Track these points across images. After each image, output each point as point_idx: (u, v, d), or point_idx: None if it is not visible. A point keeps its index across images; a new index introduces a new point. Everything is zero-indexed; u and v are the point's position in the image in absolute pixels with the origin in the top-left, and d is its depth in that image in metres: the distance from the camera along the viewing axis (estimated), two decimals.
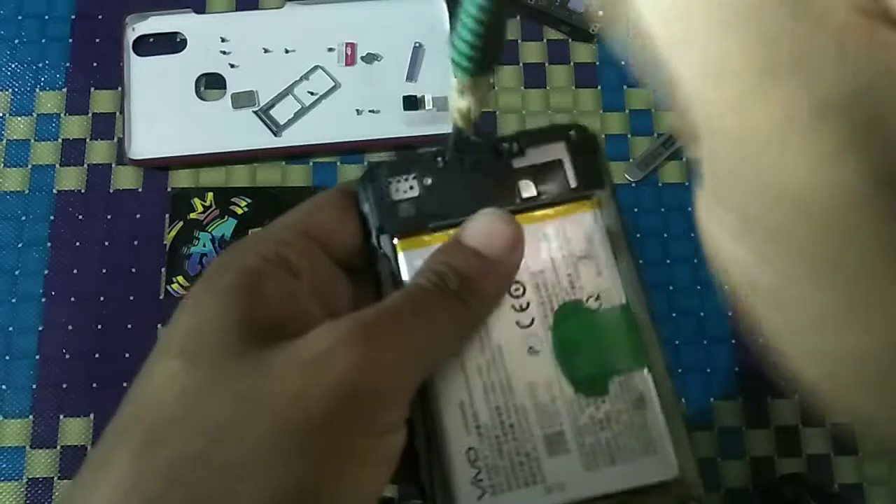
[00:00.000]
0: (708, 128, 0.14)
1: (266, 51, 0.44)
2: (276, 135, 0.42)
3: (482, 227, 0.18)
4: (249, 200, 0.42)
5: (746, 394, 0.41)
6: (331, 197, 0.19)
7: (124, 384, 0.39)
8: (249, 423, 0.14)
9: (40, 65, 0.44)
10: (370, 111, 0.43)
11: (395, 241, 0.19)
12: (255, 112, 0.43)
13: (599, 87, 0.45)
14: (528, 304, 0.19)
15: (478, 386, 0.18)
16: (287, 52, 0.44)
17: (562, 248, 0.19)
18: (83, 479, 0.15)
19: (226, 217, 0.42)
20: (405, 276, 0.19)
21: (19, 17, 0.45)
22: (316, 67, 0.43)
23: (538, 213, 0.19)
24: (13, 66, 0.44)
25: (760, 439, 0.41)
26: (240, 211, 0.42)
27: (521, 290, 0.19)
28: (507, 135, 0.20)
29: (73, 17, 0.45)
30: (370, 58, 0.44)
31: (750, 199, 0.14)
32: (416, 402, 0.17)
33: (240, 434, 0.14)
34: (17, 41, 0.45)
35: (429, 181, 0.19)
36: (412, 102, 0.43)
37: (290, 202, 0.43)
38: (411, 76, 0.44)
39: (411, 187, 0.19)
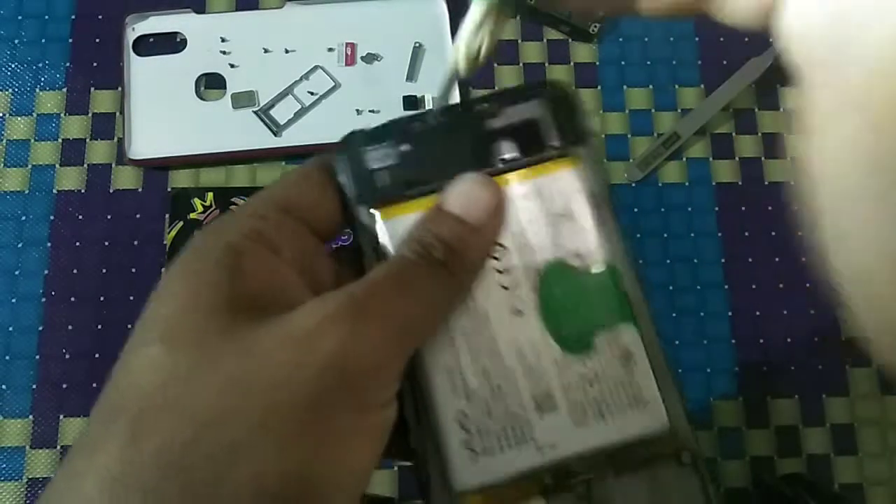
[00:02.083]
0: None
1: (266, 51, 0.44)
2: (276, 135, 0.42)
3: (463, 194, 0.18)
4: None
5: (746, 394, 0.41)
6: (308, 170, 0.19)
7: None
8: (237, 408, 0.14)
9: (40, 65, 0.44)
10: (370, 111, 0.43)
11: (375, 210, 0.19)
12: (255, 112, 0.43)
13: (599, 87, 0.45)
14: (511, 266, 0.19)
15: (465, 350, 0.18)
16: (287, 52, 0.44)
17: (543, 208, 0.19)
18: (70, 469, 0.15)
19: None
20: (387, 245, 0.18)
21: (19, 17, 0.45)
22: (316, 67, 0.43)
23: (518, 172, 0.19)
24: (13, 66, 0.44)
25: (760, 439, 0.41)
26: None
27: (504, 251, 0.19)
28: (482, 95, 0.20)
29: (73, 17, 0.45)
30: (370, 58, 0.44)
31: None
32: (404, 369, 0.17)
33: (228, 419, 0.14)
34: (17, 41, 0.45)
35: (406, 147, 0.19)
36: (412, 102, 0.43)
37: None
38: (411, 76, 0.44)
39: (388, 155, 0.19)
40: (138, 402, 0.14)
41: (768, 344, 0.42)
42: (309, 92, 0.43)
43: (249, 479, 0.14)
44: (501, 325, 0.18)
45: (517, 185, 0.19)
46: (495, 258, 0.19)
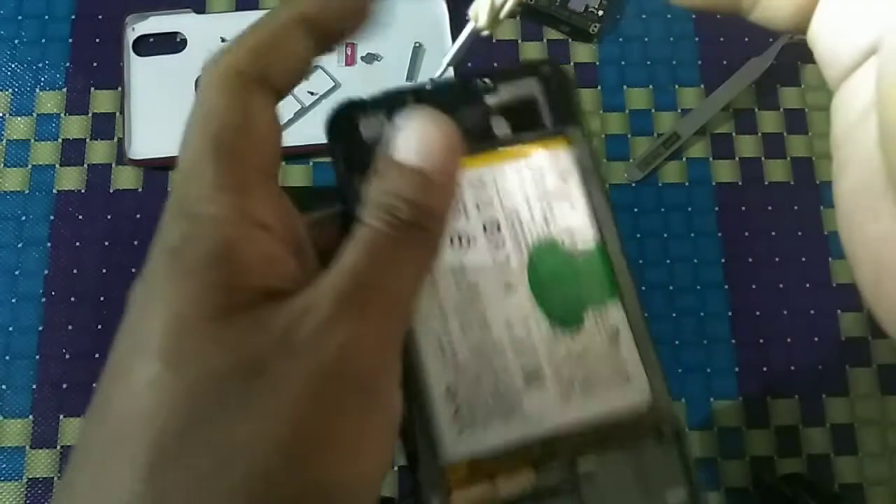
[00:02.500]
0: None
1: None
2: None
3: (416, 139, 0.16)
4: None
5: (746, 394, 0.41)
6: (232, 98, 0.16)
7: None
8: (254, 436, 0.14)
9: (40, 65, 0.44)
10: None
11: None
12: None
13: (599, 87, 0.45)
14: (503, 242, 0.19)
15: (455, 324, 0.18)
16: None
17: (536, 186, 0.19)
18: (77, 493, 0.14)
19: None
20: None
21: (19, 17, 0.45)
22: (315, 67, 0.43)
23: (511, 150, 0.19)
24: (13, 66, 0.44)
25: (760, 439, 0.41)
26: None
27: (497, 227, 0.19)
28: (479, 71, 0.20)
29: (73, 17, 0.45)
30: (370, 58, 0.44)
31: None
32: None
33: (249, 448, 0.13)
34: (17, 41, 0.45)
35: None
36: None
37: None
38: (411, 76, 0.44)
39: (383, 126, 0.19)
40: (150, 429, 0.13)
41: (768, 344, 0.42)
42: (309, 92, 0.43)
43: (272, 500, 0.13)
44: (491, 300, 0.18)
45: (511, 162, 0.19)
46: (488, 232, 0.19)
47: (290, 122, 0.43)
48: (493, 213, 0.19)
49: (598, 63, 0.45)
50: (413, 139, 0.16)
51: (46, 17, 0.45)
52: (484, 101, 0.19)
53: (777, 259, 0.43)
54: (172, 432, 0.13)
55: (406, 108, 0.18)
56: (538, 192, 0.19)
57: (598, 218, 0.19)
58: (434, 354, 0.18)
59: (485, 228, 0.19)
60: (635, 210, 0.43)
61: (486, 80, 0.19)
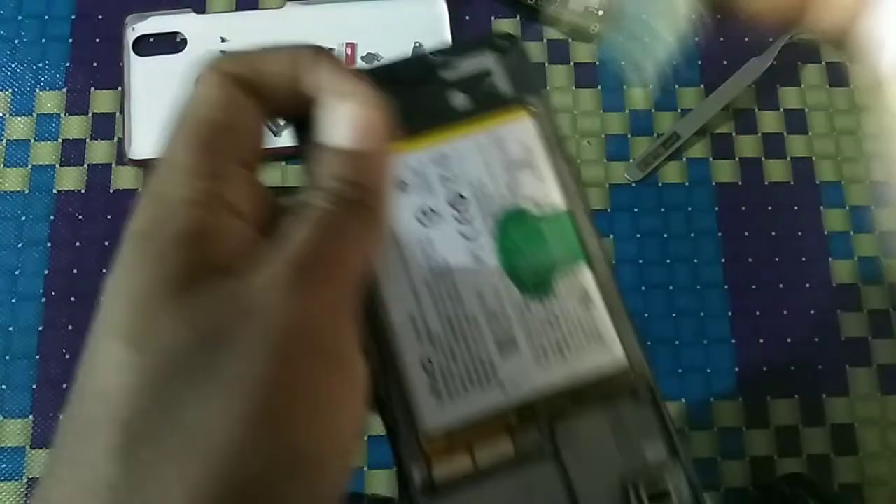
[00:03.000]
0: None
1: None
2: (276, 135, 0.42)
3: (349, 123, 0.17)
4: None
5: (746, 394, 0.41)
6: (219, 94, 0.16)
7: None
8: (222, 410, 0.14)
9: (40, 65, 0.44)
10: None
11: None
12: None
13: (599, 87, 0.45)
14: (469, 214, 0.19)
15: (427, 298, 0.19)
16: None
17: (500, 157, 0.19)
18: (57, 478, 0.14)
19: None
20: None
21: (19, 17, 0.45)
22: None
23: (473, 123, 0.20)
24: (13, 66, 0.44)
25: (760, 439, 0.41)
26: None
27: (463, 200, 0.19)
28: (435, 49, 0.20)
29: (73, 17, 0.45)
30: (370, 58, 0.44)
31: None
32: (367, 320, 0.18)
33: (217, 423, 0.14)
34: (17, 41, 0.45)
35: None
36: None
37: None
38: None
39: None
40: (118, 414, 0.14)
41: (768, 344, 0.42)
42: None
43: (238, 474, 0.14)
44: (463, 273, 0.19)
45: (474, 135, 0.20)
46: (456, 207, 0.19)
47: None
48: (458, 187, 0.19)
49: (597, 63, 0.45)
50: (346, 124, 0.17)
51: (46, 17, 0.45)
52: (441, 76, 0.20)
53: (777, 259, 0.43)
54: (141, 412, 0.14)
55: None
56: (502, 163, 0.19)
57: (563, 185, 0.19)
58: (408, 329, 0.18)
59: (451, 202, 0.19)
60: (635, 210, 0.43)
61: (442, 55, 0.20)
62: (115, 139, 0.43)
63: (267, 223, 0.16)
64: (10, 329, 0.41)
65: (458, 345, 0.18)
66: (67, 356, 0.40)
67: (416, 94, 0.20)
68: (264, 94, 0.17)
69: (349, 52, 0.44)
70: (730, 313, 0.42)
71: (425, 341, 0.18)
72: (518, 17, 0.46)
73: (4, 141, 0.43)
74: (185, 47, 0.44)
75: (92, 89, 0.44)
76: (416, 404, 0.18)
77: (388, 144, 0.17)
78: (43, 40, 0.45)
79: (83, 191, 0.43)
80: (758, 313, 0.42)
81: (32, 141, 0.43)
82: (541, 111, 0.20)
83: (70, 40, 0.45)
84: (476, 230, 0.19)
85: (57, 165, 0.43)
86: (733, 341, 0.42)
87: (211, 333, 0.14)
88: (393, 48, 0.44)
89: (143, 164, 0.42)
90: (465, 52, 0.20)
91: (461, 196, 0.19)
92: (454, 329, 0.18)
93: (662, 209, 0.43)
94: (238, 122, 0.16)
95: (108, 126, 0.43)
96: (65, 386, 0.40)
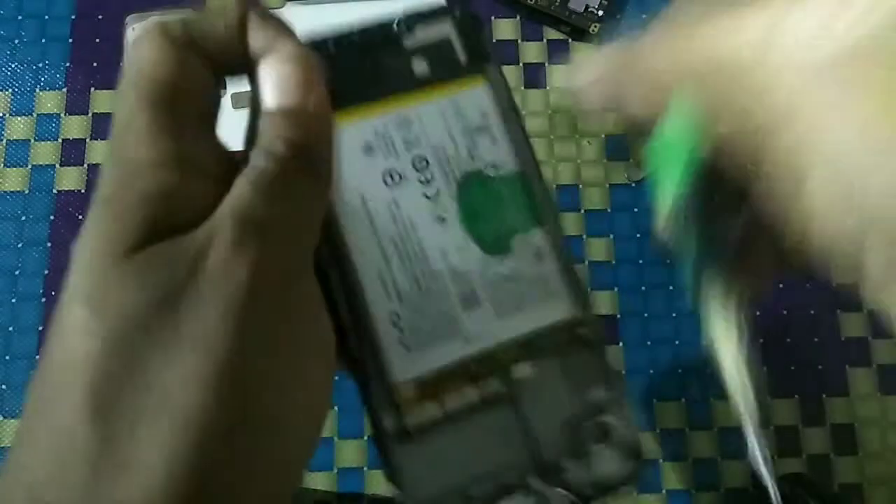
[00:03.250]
0: None
1: None
2: None
3: (276, 83, 0.17)
4: None
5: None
6: (167, 55, 0.16)
7: None
8: (186, 372, 0.14)
9: (40, 65, 0.44)
10: None
11: None
12: None
13: None
14: (432, 177, 0.20)
15: (394, 257, 0.20)
16: None
17: (459, 122, 0.21)
18: (28, 445, 0.14)
19: None
20: None
21: (19, 17, 0.45)
22: None
23: (433, 89, 0.21)
24: (13, 66, 0.44)
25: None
26: None
27: (426, 163, 0.20)
28: (390, 18, 0.21)
29: (73, 17, 0.45)
30: None
31: None
32: (338, 279, 0.19)
33: (183, 385, 0.14)
34: (17, 41, 0.45)
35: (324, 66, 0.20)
36: None
37: None
38: None
39: None
40: (85, 377, 0.14)
41: (767, 344, 0.42)
42: None
43: (206, 434, 0.14)
44: (427, 232, 0.20)
45: (434, 101, 0.21)
46: (417, 169, 0.20)
47: None
48: (420, 151, 0.20)
49: None
50: (274, 85, 0.17)
51: (46, 17, 0.45)
52: (403, 43, 0.21)
53: None
54: (109, 376, 0.14)
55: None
56: (461, 128, 0.21)
57: (518, 149, 0.21)
58: (376, 286, 0.20)
59: (414, 165, 0.20)
60: (635, 210, 0.43)
61: (401, 25, 0.21)
62: None
63: (230, 182, 0.16)
64: (10, 329, 0.41)
65: (425, 300, 0.20)
66: None
67: (378, 60, 0.21)
68: (210, 55, 0.17)
69: None
70: None
71: (394, 298, 0.20)
72: (518, 17, 0.46)
73: (4, 141, 0.43)
74: None
75: (92, 89, 0.44)
76: (386, 358, 0.19)
77: (322, 101, 0.17)
78: (43, 40, 0.45)
79: (83, 191, 0.43)
80: (757, 313, 0.42)
81: (32, 141, 0.43)
82: (496, 79, 0.21)
83: (70, 40, 0.45)
84: (438, 192, 0.20)
85: (57, 165, 0.43)
86: None
87: (169, 293, 0.14)
88: None
89: None
90: (421, 22, 0.21)
91: (424, 159, 0.20)
92: (420, 286, 0.20)
93: None
94: (190, 82, 0.16)
95: (108, 126, 0.43)
96: None
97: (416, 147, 0.20)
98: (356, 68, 0.21)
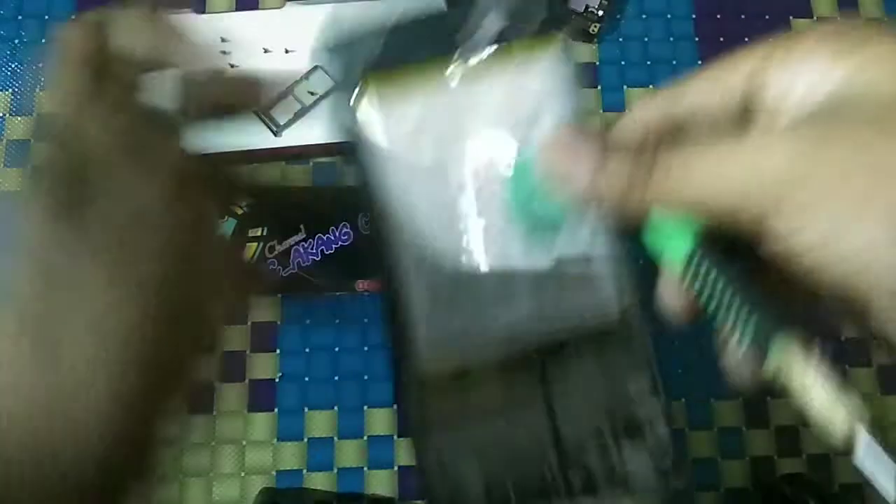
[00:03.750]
0: None
1: (266, 51, 0.44)
2: (276, 135, 0.42)
3: (125, 29, 0.21)
4: (249, 200, 0.42)
5: (746, 394, 0.41)
6: (88, 40, 0.21)
7: None
8: (91, 281, 0.17)
9: (40, 65, 0.44)
10: None
11: (365, 75, 0.20)
12: (255, 112, 0.43)
13: (599, 87, 0.45)
14: (481, 166, 0.20)
15: (438, 242, 0.20)
16: (287, 52, 0.44)
17: (529, 83, 0.21)
18: None
19: (226, 217, 0.42)
20: (373, 104, 0.20)
21: (19, 17, 0.45)
22: (316, 67, 0.43)
23: (503, 52, 0.21)
24: (13, 66, 0.44)
25: (760, 439, 0.41)
26: (240, 211, 0.42)
27: (475, 149, 0.20)
28: None
29: (73, 17, 0.45)
30: None
31: None
32: (387, 259, 0.20)
33: (84, 290, 0.17)
34: (17, 41, 0.45)
35: (401, 24, 0.20)
36: None
37: (290, 202, 0.43)
38: None
39: (380, 34, 0.21)
40: (15, 308, 0.17)
41: None
42: (309, 92, 0.43)
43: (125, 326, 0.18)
44: (476, 220, 0.20)
45: (507, 61, 0.21)
46: (472, 155, 0.20)
47: (290, 122, 0.43)
48: (478, 132, 0.20)
49: (598, 63, 0.45)
50: (123, 29, 0.21)
51: (46, 17, 0.45)
52: (479, 6, 0.21)
53: None
54: (38, 308, 0.17)
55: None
56: (531, 90, 0.21)
57: (580, 114, 0.21)
58: (418, 272, 0.20)
59: (470, 149, 0.20)
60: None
61: None
62: None
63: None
64: None
65: (464, 288, 0.20)
66: None
67: (457, 19, 0.21)
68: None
69: None
70: None
71: (433, 284, 0.20)
72: None
73: (4, 141, 0.43)
74: None
75: None
76: (419, 342, 0.19)
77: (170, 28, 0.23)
78: (43, 40, 0.45)
79: None
80: None
81: (32, 141, 0.43)
82: (565, 44, 0.21)
83: None
84: (498, 153, 0.20)
85: None
86: None
87: (74, 229, 0.18)
88: None
89: None
90: None
91: (481, 132, 0.20)
92: (461, 273, 0.20)
93: None
94: (111, 58, 0.20)
95: None
96: None
97: (474, 128, 0.20)
98: (431, 28, 0.21)
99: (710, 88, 0.18)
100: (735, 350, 0.18)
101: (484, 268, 0.20)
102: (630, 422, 0.20)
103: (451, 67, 0.20)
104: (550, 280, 0.20)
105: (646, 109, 0.19)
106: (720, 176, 0.16)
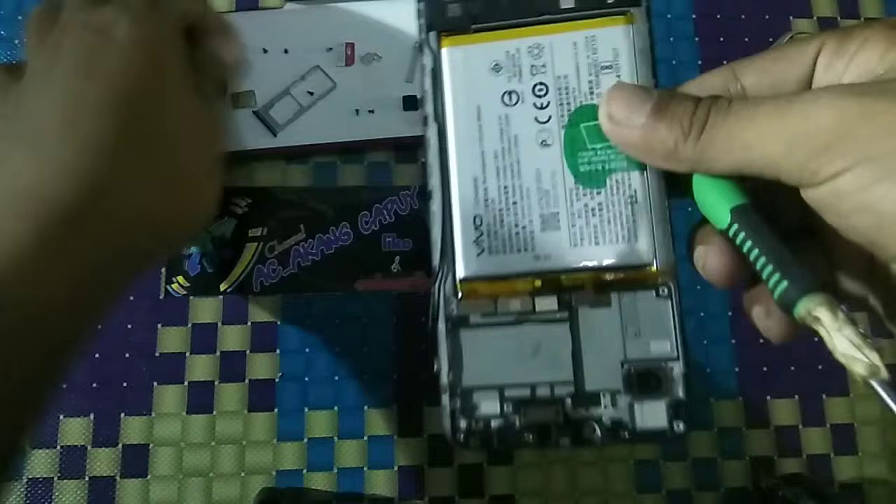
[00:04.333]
0: None
1: (265, 51, 0.44)
2: (274, 135, 0.42)
3: None
4: (249, 200, 0.42)
5: (746, 394, 0.41)
6: None
7: (124, 384, 0.39)
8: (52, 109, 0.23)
9: None
10: (369, 111, 0.43)
11: (440, 38, 0.22)
12: (254, 112, 0.43)
13: None
14: (547, 104, 0.22)
15: (491, 167, 0.21)
16: (286, 52, 0.44)
17: (589, 57, 0.22)
18: None
19: (225, 217, 0.42)
20: (445, 68, 0.22)
21: (19, 18, 0.45)
22: (315, 67, 0.43)
23: (574, 23, 0.22)
24: None
25: (760, 439, 0.41)
26: (240, 211, 0.42)
27: (545, 90, 0.22)
28: None
29: None
30: (369, 58, 0.44)
31: None
32: (437, 175, 0.22)
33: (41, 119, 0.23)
34: (17, 41, 0.45)
35: None
36: (412, 102, 0.43)
37: (290, 202, 0.43)
38: (411, 76, 0.44)
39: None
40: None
41: (768, 344, 0.42)
42: (308, 92, 0.43)
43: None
44: (528, 152, 0.22)
45: (570, 33, 0.22)
46: (536, 94, 0.22)
47: (290, 121, 0.43)
48: (543, 77, 0.22)
49: None
50: None
51: None
52: None
53: None
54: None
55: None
56: (591, 64, 0.22)
57: None
58: (468, 188, 0.21)
59: (534, 89, 0.22)
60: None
61: None
62: None
63: None
64: None
65: (508, 211, 0.21)
66: None
67: None
68: None
69: (348, 53, 0.44)
70: (729, 313, 0.42)
71: (481, 203, 0.21)
72: None
73: None
74: None
75: None
76: (459, 250, 0.21)
77: None
78: None
79: None
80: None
81: None
82: (640, 21, 0.22)
83: None
84: (549, 118, 0.22)
85: None
86: (733, 341, 0.42)
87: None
88: (392, 48, 0.44)
89: None
90: None
91: (545, 86, 0.22)
92: (508, 198, 0.21)
93: None
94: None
95: None
96: (65, 386, 0.40)
97: (540, 74, 0.22)
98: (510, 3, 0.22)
99: (770, 67, 0.20)
100: (768, 302, 0.20)
101: (534, 193, 0.21)
102: (646, 380, 0.21)
103: (528, 36, 0.22)
104: (591, 214, 0.21)
105: (706, 80, 0.21)
106: (771, 126, 0.17)
